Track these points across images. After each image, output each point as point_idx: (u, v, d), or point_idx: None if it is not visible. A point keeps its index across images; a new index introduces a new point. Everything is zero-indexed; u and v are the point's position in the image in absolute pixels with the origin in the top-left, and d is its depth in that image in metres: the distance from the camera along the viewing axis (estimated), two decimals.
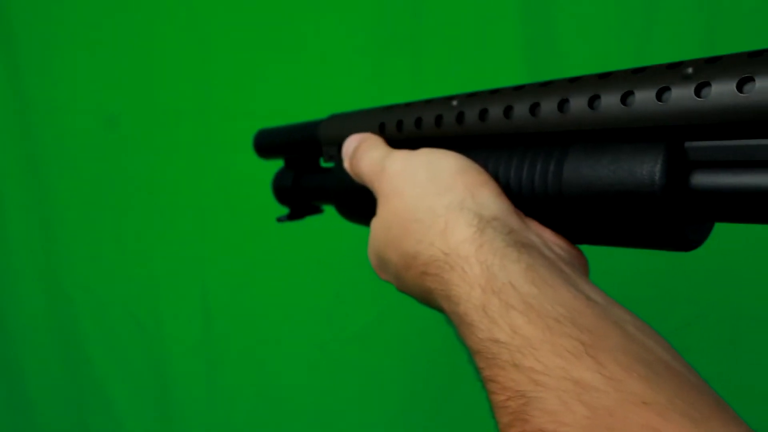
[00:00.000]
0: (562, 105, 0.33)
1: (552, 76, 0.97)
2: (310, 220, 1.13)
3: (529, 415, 0.23)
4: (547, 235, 0.34)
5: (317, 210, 0.66)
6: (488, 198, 0.34)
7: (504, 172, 0.36)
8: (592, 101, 0.31)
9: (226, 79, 1.10)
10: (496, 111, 0.36)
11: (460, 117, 0.39)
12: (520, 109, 0.35)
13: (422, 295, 0.36)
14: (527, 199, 0.35)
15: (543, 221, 0.35)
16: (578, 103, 0.32)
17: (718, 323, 0.84)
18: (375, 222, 0.40)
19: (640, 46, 0.93)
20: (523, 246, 0.30)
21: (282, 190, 0.64)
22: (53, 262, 1.24)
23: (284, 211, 0.66)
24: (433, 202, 0.34)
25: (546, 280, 0.28)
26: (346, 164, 0.45)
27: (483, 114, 0.37)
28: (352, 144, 0.45)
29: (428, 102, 0.42)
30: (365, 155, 0.43)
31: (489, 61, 0.99)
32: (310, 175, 0.61)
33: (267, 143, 0.66)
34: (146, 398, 1.27)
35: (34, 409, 1.33)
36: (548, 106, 0.33)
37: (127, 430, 1.29)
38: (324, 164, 0.60)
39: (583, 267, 0.35)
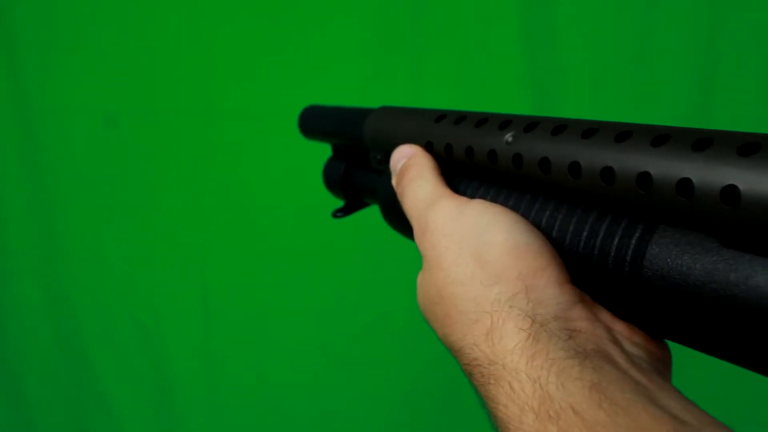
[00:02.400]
0: (643, 180, 0.26)
1: (552, 75, 0.97)
2: (309, 220, 1.14)
3: None
4: (620, 328, 0.28)
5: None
6: (546, 291, 0.28)
7: (574, 234, 0.30)
8: (683, 185, 0.24)
9: (226, 79, 1.10)
10: (559, 165, 0.30)
11: (516, 160, 0.32)
12: (590, 172, 0.28)
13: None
14: (598, 279, 0.29)
15: (614, 308, 0.29)
16: (665, 184, 0.25)
17: None
18: (421, 280, 0.34)
19: (640, 45, 0.93)
20: (587, 357, 0.25)
21: (332, 183, 0.56)
22: (53, 262, 1.24)
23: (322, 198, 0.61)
24: (478, 292, 0.29)
25: (617, 401, 0.22)
26: (393, 182, 0.40)
27: (544, 165, 0.30)
28: (399, 161, 0.40)
29: (479, 126, 0.35)
30: (410, 188, 0.37)
31: (489, 60, 0.99)
32: (361, 171, 0.53)
33: (312, 125, 0.59)
34: (146, 398, 1.27)
35: (34, 409, 1.33)
36: (625, 177, 0.26)
37: (127, 430, 1.29)
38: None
39: (666, 366, 0.29)
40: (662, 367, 0.28)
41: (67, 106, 1.16)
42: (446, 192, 0.35)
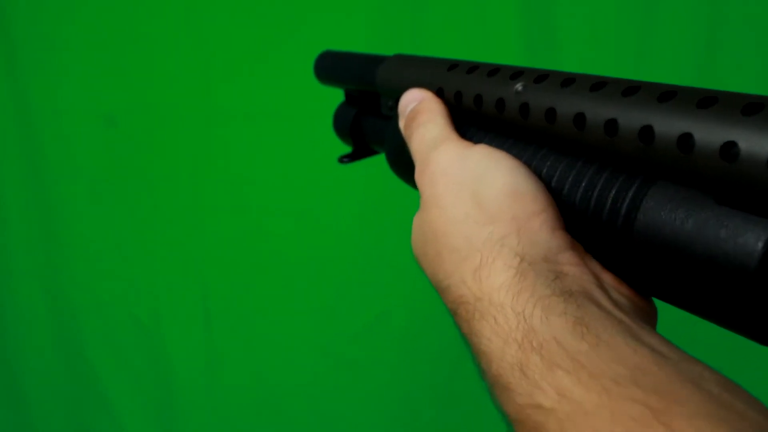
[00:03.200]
0: (645, 133, 0.26)
1: None
2: (309, 220, 1.14)
3: None
4: (608, 278, 0.28)
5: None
6: (538, 233, 0.28)
7: (569, 190, 0.30)
8: (684, 140, 0.24)
9: (226, 79, 1.10)
10: (565, 116, 0.30)
11: (524, 109, 0.33)
12: (594, 123, 0.28)
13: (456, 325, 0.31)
14: (592, 227, 0.29)
15: (605, 261, 0.29)
16: (666, 138, 0.25)
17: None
18: (416, 221, 0.34)
19: (640, 45, 0.93)
20: (572, 295, 0.25)
21: (341, 128, 0.56)
22: (53, 262, 1.24)
23: (340, 147, 0.60)
24: (471, 231, 0.29)
25: (599, 335, 0.23)
26: (401, 124, 0.40)
27: (550, 115, 0.31)
28: (408, 104, 0.40)
29: (490, 75, 0.36)
30: (418, 130, 0.37)
31: (489, 60, 0.99)
32: (371, 118, 0.53)
33: (326, 70, 0.59)
34: (146, 398, 1.27)
35: (34, 409, 1.33)
36: (628, 130, 0.26)
37: (127, 430, 1.29)
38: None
39: (650, 319, 0.29)
40: (647, 318, 0.28)
41: (67, 106, 1.16)
42: (453, 135, 0.36)
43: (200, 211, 1.16)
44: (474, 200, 0.30)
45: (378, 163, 1.10)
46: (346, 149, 0.60)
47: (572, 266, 0.27)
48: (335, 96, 1.12)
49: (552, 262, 0.27)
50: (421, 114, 0.38)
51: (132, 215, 1.19)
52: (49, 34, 1.13)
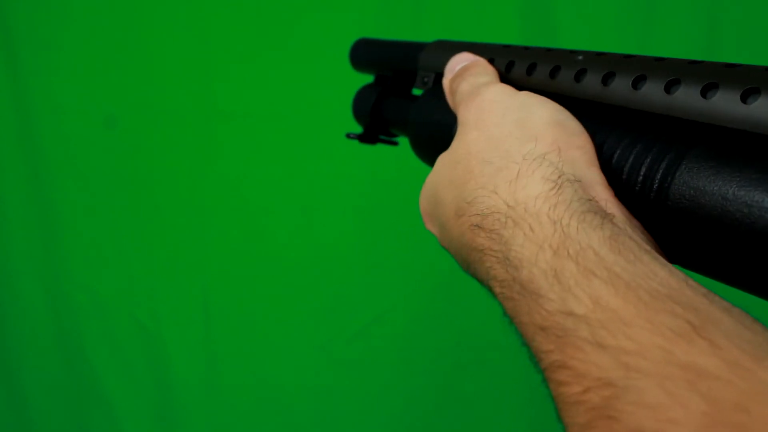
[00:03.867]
0: (707, 90, 0.26)
1: None
2: (309, 221, 1.14)
3: (620, 411, 0.17)
4: (636, 223, 0.28)
5: (391, 139, 0.59)
6: (577, 161, 0.28)
7: (609, 149, 0.30)
8: (747, 95, 0.25)
9: (226, 79, 1.10)
10: (624, 78, 0.30)
11: (579, 75, 0.33)
12: (654, 84, 0.29)
13: (467, 254, 0.29)
14: (626, 190, 0.29)
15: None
16: (728, 94, 0.25)
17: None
18: (443, 156, 0.34)
19: (640, 45, 0.93)
20: (606, 216, 0.25)
21: (361, 107, 0.57)
22: (53, 262, 1.24)
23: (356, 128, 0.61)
24: (511, 146, 0.29)
25: (635, 252, 0.22)
26: (446, 80, 0.40)
27: (608, 78, 0.31)
28: (461, 62, 0.40)
29: (549, 51, 0.37)
30: (470, 77, 0.37)
31: None
32: (395, 99, 0.55)
33: (363, 54, 0.60)
34: (146, 398, 1.27)
35: (34, 409, 1.33)
36: (689, 89, 0.27)
37: (127, 430, 1.29)
38: (415, 92, 0.55)
39: None
40: None
41: (67, 106, 1.16)
42: (502, 83, 0.36)
43: (200, 211, 1.16)
44: (517, 123, 0.30)
45: (379, 163, 1.10)
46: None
47: (605, 201, 0.27)
48: (335, 96, 1.12)
49: (588, 187, 0.27)
50: (473, 67, 0.38)
51: (132, 215, 1.19)
52: (49, 34, 1.13)
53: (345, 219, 1.10)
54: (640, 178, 0.28)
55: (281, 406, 1.22)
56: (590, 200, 0.25)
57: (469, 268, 0.30)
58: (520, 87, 0.36)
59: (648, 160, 0.28)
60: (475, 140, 0.31)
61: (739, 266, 0.24)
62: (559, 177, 0.26)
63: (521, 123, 0.30)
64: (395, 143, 0.59)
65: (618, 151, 0.30)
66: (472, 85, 0.36)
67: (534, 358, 0.22)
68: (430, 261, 0.99)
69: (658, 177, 0.27)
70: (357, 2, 1.02)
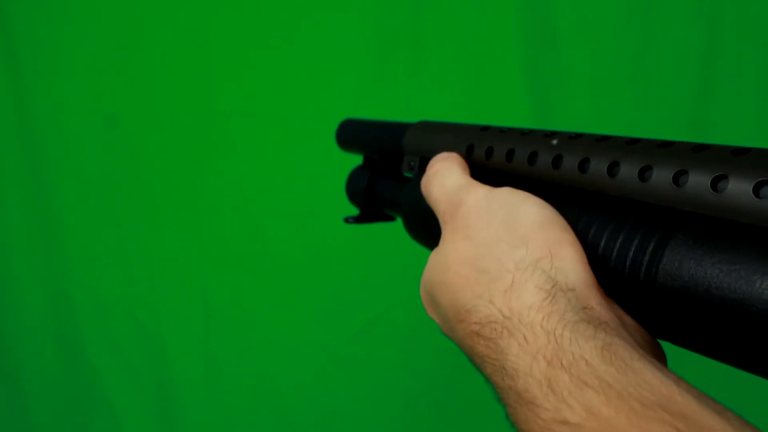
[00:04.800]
0: (679, 177, 0.27)
1: (552, 75, 0.97)
2: (308, 221, 1.14)
3: None
4: (628, 320, 0.29)
5: (389, 218, 0.60)
6: (569, 263, 0.29)
7: (594, 236, 0.31)
8: (717, 182, 0.26)
9: (226, 79, 1.10)
10: (599, 165, 0.31)
11: (557, 161, 0.34)
12: (628, 171, 0.30)
13: (471, 356, 0.31)
14: (614, 276, 0.30)
15: (625, 305, 0.30)
16: (700, 181, 0.26)
17: None
18: (434, 256, 0.35)
19: (640, 46, 0.93)
20: (600, 324, 0.25)
21: (354, 191, 0.59)
22: (53, 262, 1.24)
23: (352, 210, 0.62)
24: (503, 253, 0.30)
25: (626, 361, 0.23)
26: (422, 181, 0.41)
27: (584, 165, 0.32)
28: (433, 163, 0.41)
29: (525, 134, 0.38)
30: (437, 178, 0.38)
31: (489, 61, 0.99)
32: (387, 181, 0.56)
33: (349, 136, 0.61)
34: (146, 398, 1.27)
35: (34, 409, 1.33)
36: (662, 175, 0.28)
37: (127, 430, 1.29)
38: (405, 173, 0.56)
39: (663, 364, 0.29)
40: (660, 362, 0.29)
41: (67, 106, 1.16)
42: (475, 181, 0.37)
43: (200, 212, 1.16)
44: (505, 225, 0.31)
45: None
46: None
47: (598, 304, 0.27)
48: (335, 96, 1.13)
49: (581, 294, 0.27)
50: (438, 163, 0.40)
51: (132, 215, 1.19)
52: (49, 34, 1.13)
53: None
54: (628, 262, 0.29)
55: (281, 406, 1.22)
56: (584, 308, 0.26)
57: (474, 366, 0.31)
58: (501, 173, 0.38)
59: (634, 245, 0.29)
60: (466, 248, 0.32)
61: (725, 343, 0.25)
62: (552, 287, 0.27)
63: (509, 225, 0.31)
64: (393, 219, 0.60)
65: (604, 238, 0.31)
66: (443, 188, 0.37)
67: None
68: None
69: (645, 261, 0.28)
70: (357, 2, 1.02)
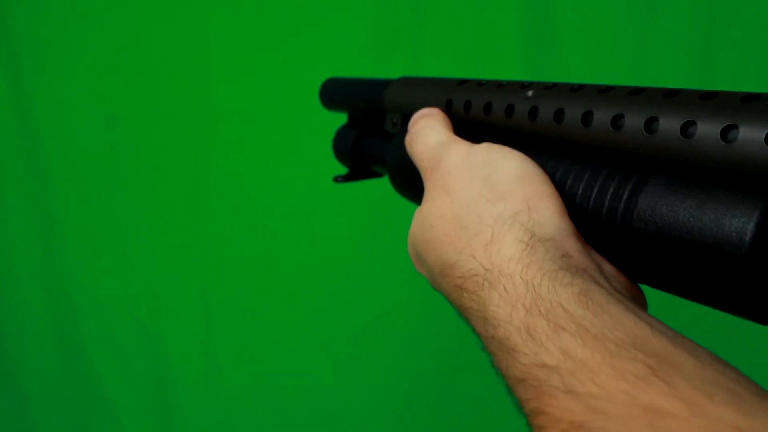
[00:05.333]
0: (650, 124, 0.28)
1: (552, 75, 0.97)
2: (309, 220, 1.14)
3: None
4: (607, 267, 0.30)
5: (378, 174, 0.60)
6: (547, 214, 0.30)
7: (572, 186, 0.32)
8: (686, 127, 0.26)
9: (226, 79, 1.10)
10: (573, 115, 0.32)
11: (532, 113, 0.34)
12: (601, 119, 0.30)
13: (457, 309, 0.32)
14: (592, 224, 0.31)
15: (604, 252, 0.31)
16: (669, 126, 0.27)
17: (717, 324, 0.84)
18: (418, 214, 0.36)
19: (640, 45, 0.93)
20: (577, 271, 0.27)
21: (341, 149, 0.58)
22: (53, 262, 1.24)
23: (342, 170, 0.61)
24: (483, 209, 0.31)
25: (602, 306, 0.24)
26: (406, 139, 0.42)
27: (558, 115, 0.33)
28: (415, 120, 0.42)
29: (501, 86, 0.38)
30: (420, 135, 0.39)
31: (489, 60, 0.99)
32: (372, 138, 0.56)
33: (332, 95, 0.61)
34: (146, 398, 1.27)
35: (34, 409, 1.33)
36: (633, 122, 0.28)
37: (127, 430, 1.29)
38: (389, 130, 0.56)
39: (643, 307, 0.31)
40: (641, 306, 0.30)
41: (67, 106, 1.16)
42: (458, 138, 0.37)
43: (200, 211, 1.16)
44: (485, 183, 0.32)
45: None
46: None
47: (576, 251, 0.29)
48: None
49: (559, 243, 0.28)
50: (422, 119, 0.40)
51: (132, 215, 1.19)
52: (49, 34, 1.13)
53: (345, 219, 1.10)
54: (604, 210, 0.30)
55: (281, 406, 1.22)
56: (562, 257, 0.28)
57: (461, 316, 0.32)
58: (481, 126, 0.39)
59: (609, 193, 0.30)
60: (447, 205, 0.33)
61: (699, 285, 0.26)
62: (531, 238, 0.28)
63: (489, 182, 0.32)
64: (382, 176, 0.60)
65: (581, 187, 0.31)
66: (426, 145, 0.38)
67: (518, 405, 0.25)
68: None
69: (621, 208, 0.29)
70: (357, 2, 1.02)
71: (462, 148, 0.36)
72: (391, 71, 1.04)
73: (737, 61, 0.90)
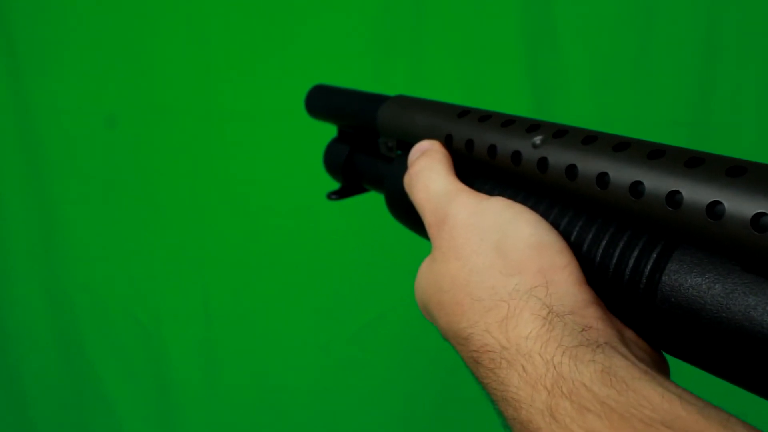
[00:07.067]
0: (673, 197, 0.26)
1: (552, 75, 0.97)
2: (309, 220, 1.14)
3: None
4: (628, 333, 0.29)
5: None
6: (564, 287, 0.28)
7: (589, 250, 0.30)
8: (713, 207, 0.24)
9: (226, 79, 1.10)
10: (586, 173, 0.29)
11: (542, 164, 0.32)
12: (618, 182, 0.28)
13: (474, 376, 0.30)
14: (611, 292, 0.29)
15: (625, 319, 0.29)
16: (694, 203, 0.25)
17: None
18: (428, 270, 0.34)
19: (640, 45, 0.93)
20: (598, 346, 0.25)
21: (333, 166, 0.55)
22: (53, 262, 1.24)
23: (333, 185, 0.58)
24: (496, 281, 0.29)
25: (627, 382, 0.23)
26: (405, 178, 0.39)
27: (571, 171, 0.30)
28: (414, 155, 0.39)
29: (505, 126, 0.35)
30: (420, 179, 0.37)
31: (489, 60, 0.99)
32: (367, 157, 0.52)
33: (319, 105, 0.57)
34: (146, 398, 1.27)
35: (34, 409, 1.33)
36: (654, 192, 0.26)
37: (127, 430, 1.29)
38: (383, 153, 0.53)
39: (665, 373, 0.30)
40: (663, 372, 0.29)
41: (67, 106, 1.16)
42: (463, 186, 0.35)
43: (200, 211, 1.16)
44: (497, 251, 0.30)
45: None
46: None
47: (597, 320, 0.27)
48: None
49: (578, 316, 0.27)
50: (421, 160, 0.38)
51: (132, 215, 1.19)
52: (49, 34, 1.13)
53: (345, 219, 1.10)
54: (625, 279, 0.28)
55: (281, 406, 1.22)
56: (582, 330, 0.26)
57: (478, 384, 0.31)
58: (481, 167, 0.37)
59: (631, 263, 0.28)
60: (457, 270, 0.31)
61: (724, 362, 0.25)
62: (548, 313, 0.27)
63: (501, 249, 0.30)
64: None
65: (599, 253, 0.30)
66: (428, 195, 0.36)
67: None
68: None
69: (644, 281, 0.27)
70: (357, 2, 1.02)
71: (469, 202, 0.33)
72: (391, 71, 1.05)
73: (737, 62, 0.90)
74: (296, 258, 1.15)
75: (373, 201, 1.13)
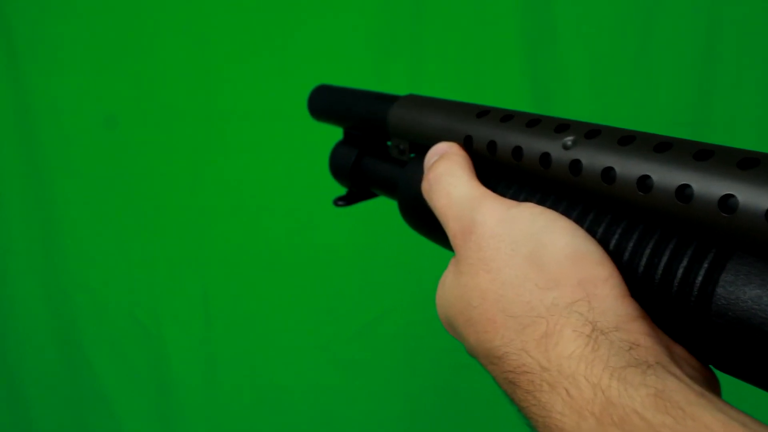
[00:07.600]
0: (726, 201, 0.23)
1: (552, 75, 0.97)
2: (309, 220, 1.14)
3: None
4: (679, 350, 0.26)
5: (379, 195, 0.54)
6: (607, 301, 0.26)
7: (632, 257, 0.27)
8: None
9: (226, 79, 1.10)
10: (626, 176, 0.27)
11: (575, 166, 0.30)
12: (662, 186, 0.25)
13: (509, 398, 0.28)
14: (658, 302, 0.26)
15: (671, 332, 0.27)
16: (751, 208, 0.22)
17: None
18: (453, 284, 0.31)
19: (640, 45, 0.93)
20: (649, 366, 0.23)
21: (340, 170, 0.52)
22: (53, 262, 1.24)
23: (338, 189, 0.56)
24: (533, 295, 0.27)
25: (683, 407, 0.21)
26: (423, 184, 0.36)
27: (608, 174, 0.28)
28: (431, 158, 0.37)
29: (531, 126, 0.32)
30: (441, 184, 0.34)
31: (489, 60, 0.99)
32: (376, 160, 0.49)
33: (324, 106, 0.54)
34: (146, 398, 1.27)
35: (34, 409, 1.33)
36: (704, 196, 0.24)
37: (126, 430, 1.29)
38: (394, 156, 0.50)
39: (718, 392, 0.27)
40: (716, 391, 0.27)
41: (67, 106, 1.16)
42: (488, 192, 0.33)
43: (200, 212, 1.16)
44: (531, 263, 0.28)
45: None
46: None
47: (645, 336, 0.25)
48: None
49: (624, 332, 0.25)
50: (440, 164, 0.35)
51: (132, 215, 1.19)
52: (49, 33, 1.13)
53: (345, 219, 1.10)
54: (673, 292, 0.26)
55: (281, 406, 1.22)
56: (630, 349, 0.24)
57: (513, 406, 0.29)
58: (505, 170, 0.34)
59: (680, 274, 0.26)
60: (488, 284, 0.29)
61: None
62: (592, 330, 0.25)
63: (536, 261, 0.28)
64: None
65: (643, 263, 0.27)
66: (450, 202, 0.33)
67: None
68: (430, 261, 0.99)
69: (695, 293, 0.25)
70: (357, 2, 1.02)
71: (497, 208, 0.31)
72: (392, 71, 1.05)
73: (737, 62, 0.90)
74: (296, 258, 1.15)
75: (373, 201, 1.13)
